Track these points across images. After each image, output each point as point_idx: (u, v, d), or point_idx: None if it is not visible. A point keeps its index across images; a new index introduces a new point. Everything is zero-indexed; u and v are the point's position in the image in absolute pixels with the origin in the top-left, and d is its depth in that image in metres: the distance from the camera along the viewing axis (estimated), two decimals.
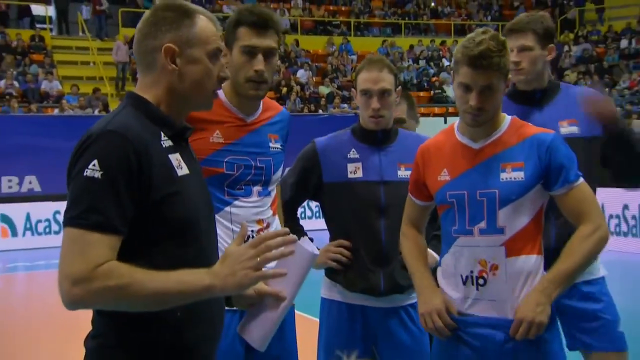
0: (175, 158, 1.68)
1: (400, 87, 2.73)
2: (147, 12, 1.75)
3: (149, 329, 1.63)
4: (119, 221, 1.56)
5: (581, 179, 2.23)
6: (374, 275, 2.59)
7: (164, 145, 1.66)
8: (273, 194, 2.52)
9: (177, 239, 1.65)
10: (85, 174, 1.54)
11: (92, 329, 1.69)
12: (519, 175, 2.20)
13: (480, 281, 2.21)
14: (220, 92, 2.39)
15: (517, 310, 2.15)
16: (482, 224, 2.21)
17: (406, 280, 2.57)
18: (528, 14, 2.93)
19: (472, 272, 2.22)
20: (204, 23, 1.72)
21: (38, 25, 19.24)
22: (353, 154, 2.67)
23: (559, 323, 2.38)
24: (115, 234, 1.55)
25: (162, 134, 1.68)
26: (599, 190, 2.78)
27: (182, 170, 1.68)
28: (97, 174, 1.54)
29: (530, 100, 2.83)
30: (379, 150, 2.68)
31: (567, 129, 2.75)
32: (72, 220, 1.54)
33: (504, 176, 2.21)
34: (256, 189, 2.43)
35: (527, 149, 2.21)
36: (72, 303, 1.53)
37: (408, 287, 2.59)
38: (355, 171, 2.64)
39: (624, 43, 20.96)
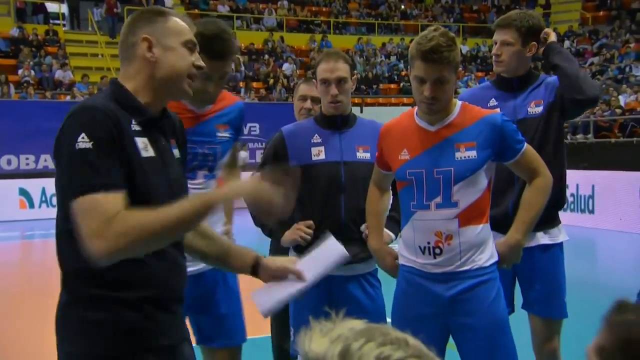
0: (142, 141, 1.61)
1: (356, 75, 2.70)
2: (127, 18, 1.76)
3: (115, 289, 1.57)
4: (119, 179, 1.52)
5: (525, 144, 2.29)
6: None
7: (132, 129, 1.61)
8: (218, 176, 2.53)
9: None
10: (77, 147, 1.49)
11: (62, 294, 1.62)
12: (472, 154, 2.21)
13: (437, 250, 2.23)
14: None
15: (499, 247, 2.29)
16: (438, 199, 2.21)
17: (364, 252, 2.58)
18: (519, 12, 2.85)
19: (429, 242, 2.23)
20: (177, 19, 1.71)
21: (52, 21, 18.94)
22: (316, 138, 2.63)
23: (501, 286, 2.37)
24: (119, 190, 1.51)
25: (133, 121, 1.62)
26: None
27: (148, 152, 1.61)
28: (89, 145, 1.50)
29: (509, 87, 2.82)
30: (340, 134, 2.64)
31: (534, 109, 2.77)
32: (79, 189, 1.49)
33: (458, 155, 2.21)
34: (202, 172, 2.44)
35: (478, 130, 2.22)
36: (100, 257, 1.47)
37: (367, 258, 2.60)
38: (318, 154, 2.61)
39: (567, 44, 21.12)
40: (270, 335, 3.19)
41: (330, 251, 1.85)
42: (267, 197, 1.58)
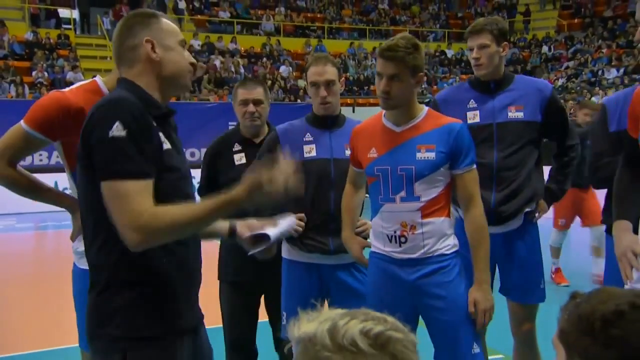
0: (160, 134, 1.62)
1: (343, 77, 2.69)
2: (119, 22, 1.73)
3: (140, 274, 1.58)
4: (149, 167, 1.53)
5: (474, 166, 2.29)
6: (325, 238, 2.57)
7: (150, 120, 1.61)
8: None
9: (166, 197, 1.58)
10: (110, 134, 1.49)
11: (89, 285, 1.63)
12: (431, 155, 2.24)
13: (402, 239, 2.28)
14: None
15: (472, 302, 2.26)
16: (402, 193, 2.26)
17: None
18: (485, 18, 2.89)
19: (395, 232, 2.28)
20: (167, 21, 1.72)
21: (64, 26, 18.83)
22: (308, 137, 2.63)
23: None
24: (148, 178, 1.53)
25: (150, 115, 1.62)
26: (545, 168, 2.88)
27: (166, 145, 1.63)
28: (123, 133, 1.49)
29: (486, 89, 2.80)
30: (330, 133, 2.65)
31: (514, 113, 2.75)
32: (111, 173, 1.50)
33: (419, 155, 2.25)
34: None
35: (439, 135, 2.25)
36: (136, 247, 1.51)
37: None
38: (310, 151, 2.61)
39: (545, 49, 21.16)
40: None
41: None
42: (284, 180, 1.58)
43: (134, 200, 1.49)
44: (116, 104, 1.55)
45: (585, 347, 0.92)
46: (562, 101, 3.03)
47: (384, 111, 2.36)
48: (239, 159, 2.91)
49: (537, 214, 2.82)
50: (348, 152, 2.59)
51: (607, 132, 2.47)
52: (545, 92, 2.79)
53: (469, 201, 2.30)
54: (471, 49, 2.78)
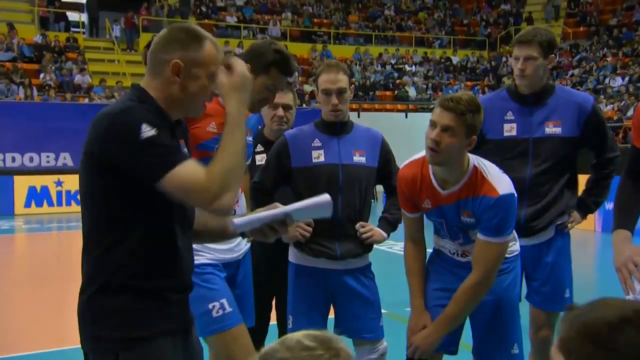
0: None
1: (353, 84, 2.71)
2: (164, 29, 1.72)
3: (133, 277, 1.60)
4: (185, 154, 1.60)
5: (498, 239, 2.26)
6: (332, 243, 2.58)
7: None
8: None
9: (159, 216, 1.62)
10: (143, 136, 1.50)
11: (82, 284, 1.64)
12: (472, 220, 2.31)
13: (464, 255, 2.43)
14: None
15: (414, 336, 2.38)
16: (460, 240, 2.40)
17: (358, 249, 2.63)
18: (534, 27, 2.82)
19: (457, 251, 2.45)
20: (210, 48, 1.67)
21: (72, 29, 18.94)
22: (316, 142, 2.64)
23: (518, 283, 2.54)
24: (189, 158, 1.58)
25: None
26: (580, 176, 2.84)
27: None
28: (153, 131, 1.51)
29: (525, 102, 2.76)
30: (338, 139, 2.65)
31: (551, 129, 2.72)
32: (163, 169, 1.51)
33: (463, 219, 2.32)
34: None
35: (476, 204, 2.27)
36: (229, 208, 1.56)
37: (361, 253, 2.64)
38: (318, 157, 2.62)
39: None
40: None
41: (317, 199, 1.76)
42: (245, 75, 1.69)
43: (192, 173, 1.53)
44: (131, 109, 1.56)
45: (589, 354, 0.92)
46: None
47: (429, 165, 2.33)
48: (260, 159, 2.96)
49: (569, 224, 2.82)
50: (356, 158, 2.63)
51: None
52: (585, 107, 2.74)
53: (475, 265, 2.32)
54: (516, 59, 2.72)
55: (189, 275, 1.75)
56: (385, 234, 2.70)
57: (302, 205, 1.76)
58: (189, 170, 1.53)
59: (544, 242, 2.78)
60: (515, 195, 2.28)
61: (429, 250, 2.59)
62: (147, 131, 1.51)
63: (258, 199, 2.64)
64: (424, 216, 2.46)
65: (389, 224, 2.75)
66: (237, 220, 1.75)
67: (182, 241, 1.69)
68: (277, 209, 1.75)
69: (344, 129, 2.69)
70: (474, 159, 2.31)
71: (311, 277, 2.63)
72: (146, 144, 1.50)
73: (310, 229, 2.57)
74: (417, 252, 2.51)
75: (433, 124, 2.20)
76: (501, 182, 2.26)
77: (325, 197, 1.75)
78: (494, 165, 2.33)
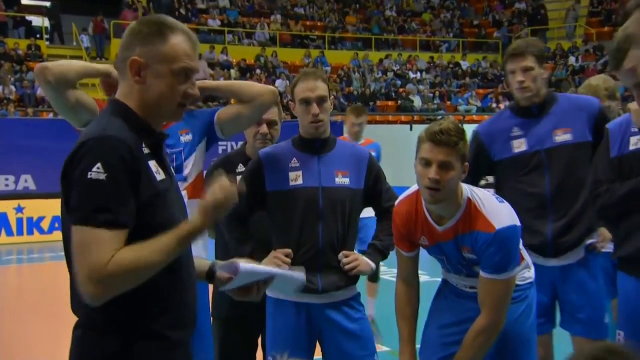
0: (153, 164, 1.67)
1: (332, 97, 2.74)
2: (131, 24, 1.74)
3: (133, 315, 1.64)
4: (126, 217, 1.56)
5: (500, 275, 2.33)
6: (312, 276, 2.54)
7: (144, 152, 1.65)
8: (190, 179, 2.68)
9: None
10: (89, 176, 1.53)
11: (78, 319, 1.69)
12: (474, 256, 2.38)
13: (469, 290, 2.52)
14: None
15: None
16: (464, 273, 2.49)
17: (343, 281, 2.63)
18: (524, 40, 3.08)
19: (465, 287, 2.54)
20: (177, 41, 1.67)
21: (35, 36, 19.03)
22: (294, 162, 2.65)
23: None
24: (123, 228, 1.56)
25: (143, 144, 1.66)
26: None
27: (160, 175, 1.68)
28: (102, 176, 1.53)
29: (529, 114, 2.96)
30: (318, 158, 2.66)
31: (561, 137, 2.90)
32: (82, 218, 1.53)
33: (464, 255, 2.40)
34: None
35: (474, 241, 2.34)
36: (94, 300, 1.55)
37: (345, 286, 2.65)
38: (296, 179, 2.62)
39: (571, 59, 21.32)
40: None
41: (292, 277, 1.99)
42: (230, 201, 1.70)
43: (99, 251, 1.52)
44: (103, 141, 1.57)
45: None
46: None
47: (422, 198, 2.40)
48: None
49: (599, 244, 2.91)
50: (339, 180, 2.64)
51: (608, 158, 2.55)
52: (591, 108, 2.92)
53: (483, 306, 2.38)
54: (512, 72, 2.93)
55: (193, 314, 1.78)
56: (372, 264, 2.70)
57: (284, 273, 1.95)
58: (100, 241, 1.52)
59: (575, 262, 2.89)
60: (518, 225, 2.33)
61: (438, 280, 2.65)
62: (97, 172, 1.53)
63: (232, 227, 2.67)
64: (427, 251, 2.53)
65: (378, 253, 2.75)
66: (244, 266, 1.80)
67: (187, 280, 1.73)
68: (271, 268, 1.87)
69: (325, 147, 2.69)
70: (467, 190, 2.37)
71: (292, 311, 2.63)
72: (88, 184, 1.53)
73: (288, 260, 2.57)
74: (409, 295, 2.56)
75: (426, 162, 2.24)
76: (497, 215, 2.30)
77: (301, 274, 1.96)
78: (489, 195, 2.40)
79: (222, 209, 1.68)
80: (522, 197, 2.86)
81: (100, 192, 1.53)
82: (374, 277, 5.40)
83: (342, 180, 2.65)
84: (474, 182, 2.90)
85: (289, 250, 2.59)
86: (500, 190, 3.00)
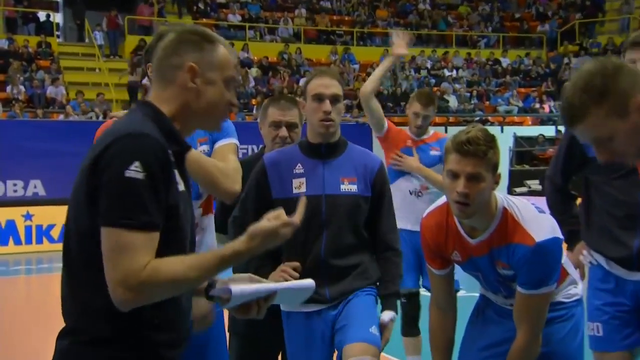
0: (177, 174, 1.71)
1: (346, 100, 2.76)
2: (172, 33, 1.82)
3: (123, 327, 1.65)
4: (160, 218, 1.61)
5: (543, 291, 2.33)
6: (319, 287, 2.51)
7: (171, 159, 1.68)
8: (205, 194, 2.61)
9: (168, 249, 1.66)
10: (127, 174, 1.56)
11: (65, 326, 1.71)
12: (510, 272, 2.38)
13: (509, 307, 2.51)
14: None
15: None
16: (502, 293, 2.50)
17: (350, 285, 2.67)
18: None
19: (504, 304, 2.56)
20: (224, 51, 1.80)
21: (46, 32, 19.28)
22: (298, 168, 2.71)
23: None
24: (156, 231, 1.60)
25: (169, 151, 1.69)
26: None
27: (181, 186, 1.72)
28: (141, 175, 1.56)
29: None
30: (324, 164, 2.71)
31: None
32: (119, 220, 1.56)
33: (500, 271, 2.41)
34: None
35: (510, 255, 2.33)
36: (126, 306, 1.58)
37: (353, 290, 2.68)
38: (299, 186, 2.68)
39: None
40: None
41: (302, 288, 2.01)
42: (283, 234, 1.74)
43: (136, 256, 1.55)
44: (138, 138, 1.60)
45: None
46: None
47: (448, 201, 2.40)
48: None
49: None
50: (344, 187, 2.69)
51: None
52: None
53: (519, 324, 2.38)
54: (633, 62, 2.79)
55: (188, 327, 1.83)
56: (393, 314, 2.72)
57: (288, 286, 2.01)
58: (139, 244, 1.56)
59: None
60: (560, 237, 2.31)
61: (475, 295, 2.68)
62: (135, 171, 1.56)
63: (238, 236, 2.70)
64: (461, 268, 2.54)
65: (390, 302, 2.75)
66: (235, 289, 1.80)
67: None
68: (269, 284, 1.89)
69: (332, 152, 2.73)
70: (503, 200, 2.37)
71: (304, 322, 2.70)
72: (125, 183, 1.56)
73: (297, 274, 2.60)
74: (443, 322, 2.57)
75: (454, 175, 2.24)
76: (538, 226, 2.29)
77: (310, 282, 1.97)
78: (527, 204, 2.38)
79: (272, 238, 1.72)
80: (609, 203, 2.81)
81: (138, 193, 1.56)
82: (409, 329, 4.42)
83: (348, 187, 2.69)
84: (565, 180, 2.91)
85: (297, 264, 2.64)
86: (587, 192, 2.94)
